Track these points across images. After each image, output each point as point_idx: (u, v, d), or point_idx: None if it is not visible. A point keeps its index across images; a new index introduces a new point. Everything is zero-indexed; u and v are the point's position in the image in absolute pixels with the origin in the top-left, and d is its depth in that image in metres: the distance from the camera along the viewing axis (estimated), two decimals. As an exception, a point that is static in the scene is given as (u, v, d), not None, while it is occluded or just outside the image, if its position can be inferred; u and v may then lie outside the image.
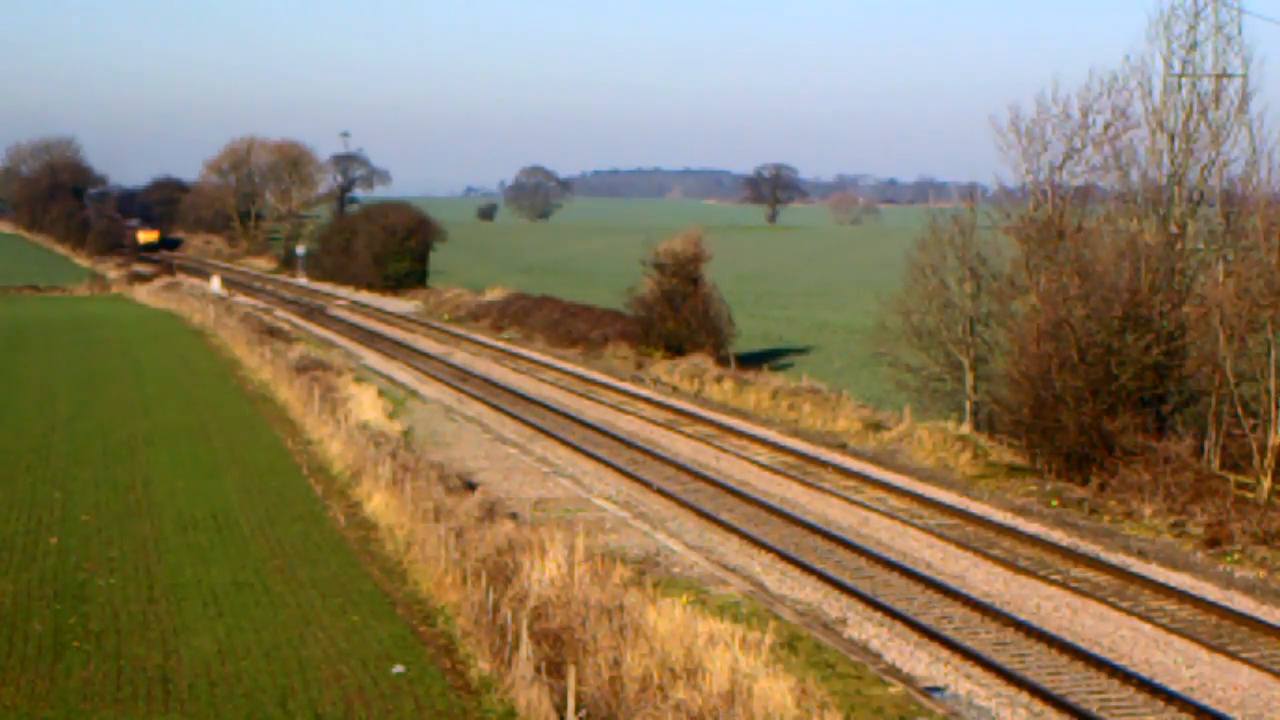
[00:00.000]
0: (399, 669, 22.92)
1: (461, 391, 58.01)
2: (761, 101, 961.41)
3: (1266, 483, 36.53)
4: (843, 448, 46.09)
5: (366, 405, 48.78)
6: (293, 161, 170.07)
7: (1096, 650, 25.82)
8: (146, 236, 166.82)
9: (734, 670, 21.11)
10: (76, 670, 22.69)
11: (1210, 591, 29.82)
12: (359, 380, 56.53)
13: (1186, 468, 37.00)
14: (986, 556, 32.47)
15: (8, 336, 76.30)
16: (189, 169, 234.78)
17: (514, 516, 33.03)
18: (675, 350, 66.06)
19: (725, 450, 45.41)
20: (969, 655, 25.25)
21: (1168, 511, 35.55)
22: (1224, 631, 27.45)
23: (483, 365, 67.38)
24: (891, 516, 36.40)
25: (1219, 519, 34.10)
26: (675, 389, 59.29)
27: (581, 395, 57.70)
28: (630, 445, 45.76)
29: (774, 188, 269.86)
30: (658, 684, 20.89)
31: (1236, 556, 32.59)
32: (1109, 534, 35.00)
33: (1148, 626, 27.47)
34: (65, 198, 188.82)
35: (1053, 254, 43.95)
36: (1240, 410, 38.14)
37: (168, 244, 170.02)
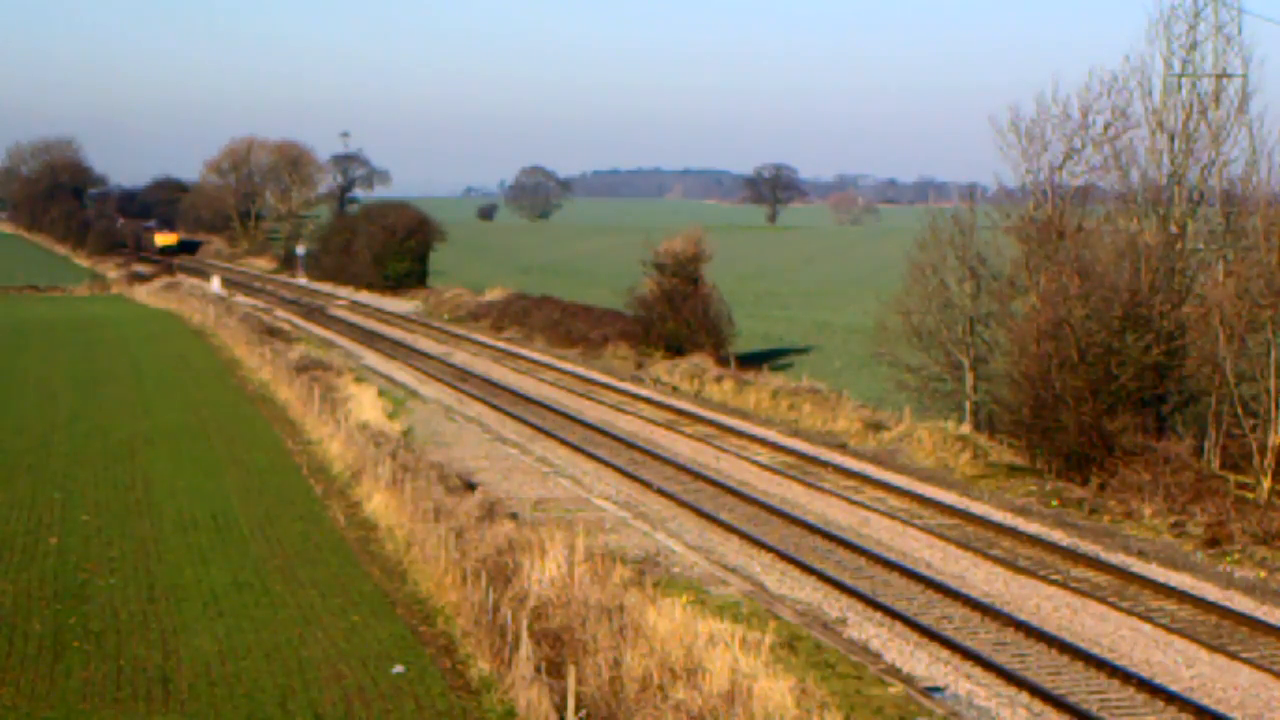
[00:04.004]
0: (399, 669, 22.93)
1: (461, 391, 58.00)
2: (761, 101, 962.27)
3: (1266, 483, 36.53)
4: (843, 448, 46.08)
5: (366, 405, 48.78)
6: (293, 161, 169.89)
7: (1096, 650, 25.82)
8: (164, 239, 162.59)
9: (734, 670, 21.11)
10: (76, 670, 22.69)
11: (1210, 591, 29.82)
12: (359, 380, 56.52)
13: (1186, 468, 37.00)
14: (986, 556, 32.47)
15: (8, 336, 76.31)
16: (189, 169, 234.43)
17: (514, 516, 33.02)
18: (675, 350, 66.06)
19: (725, 450, 45.40)
20: (969, 655, 25.25)
21: (1168, 511, 35.54)
22: (1224, 631, 27.45)
23: (482, 365, 67.36)
24: (891, 516, 36.39)
25: (1219, 519, 34.09)
26: (675, 389, 59.28)
27: (581, 395, 57.69)
28: (630, 445, 45.76)
29: (774, 188, 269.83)
30: (658, 684, 20.89)
31: (1236, 556, 32.58)
32: (1109, 534, 35.00)
33: (1148, 626, 27.46)
34: (65, 198, 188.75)
35: (1053, 254, 43.94)
36: (1240, 410, 38.14)
37: (187, 247, 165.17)
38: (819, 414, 50.65)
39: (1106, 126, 45.79)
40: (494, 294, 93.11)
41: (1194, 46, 44.98)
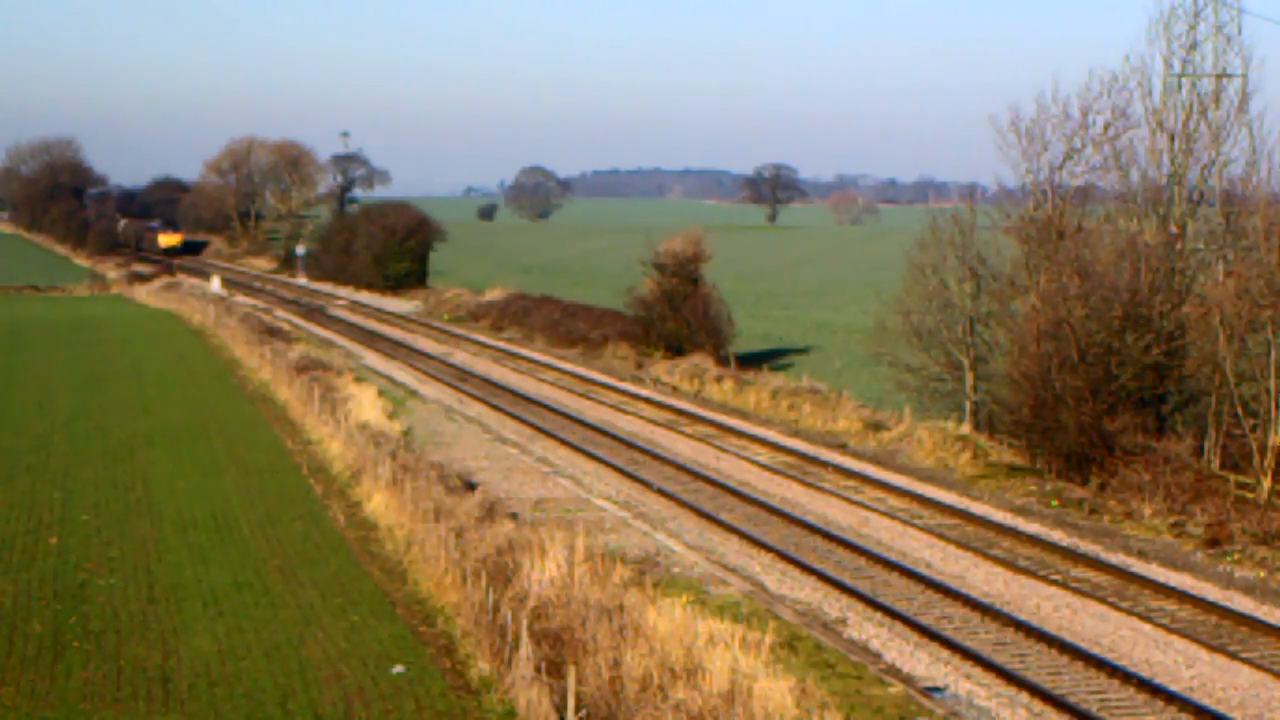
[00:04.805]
0: (399, 669, 22.93)
1: (461, 391, 58.01)
2: (761, 101, 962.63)
3: (1266, 483, 36.52)
4: (843, 448, 46.08)
5: (366, 405, 48.78)
6: (293, 161, 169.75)
7: (1096, 650, 25.82)
8: (168, 240, 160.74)
9: (734, 670, 21.12)
10: (76, 670, 22.69)
11: (1210, 591, 29.83)
12: (359, 380, 56.53)
13: (1186, 468, 37.00)
14: (986, 556, 32.47)
15: (8, 336, 76.28)
16: (189, 169, 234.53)
17: (514, 516, 33.03)
18: (675, 350, 66.06)
19: (725, 450, 45.40)
20: (969, 655, 25.26)
21: (1168, 511, 35.54)
22: (1224, 631, 27.46)
23: (482, 365, 67.37)
24: (891, 516, 36.40)
25: (1219, 519, 34.09)
26: (675, 389, 59.28)
27: (581, 395, 57.69)
28: (630, 445, 45.76)
29: (774, 188, 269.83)
30: (658, 684, 20.90)
31: (1236, 556, 32.58)
32: (1109, 534, 35.01)
33: (1148, 626, 27.47)
34: (65, 198, 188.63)
35: (1053, 254, 43.92)
36: (1240, 410, 38.14)
37: (190, 247, 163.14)
38: (819, 414, 50.65)
39: (1106, 126, 45.79)
40: (494, 294, 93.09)
41: (1194, 46, 44.97)
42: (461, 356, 70.65)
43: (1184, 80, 44.80)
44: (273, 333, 72.91)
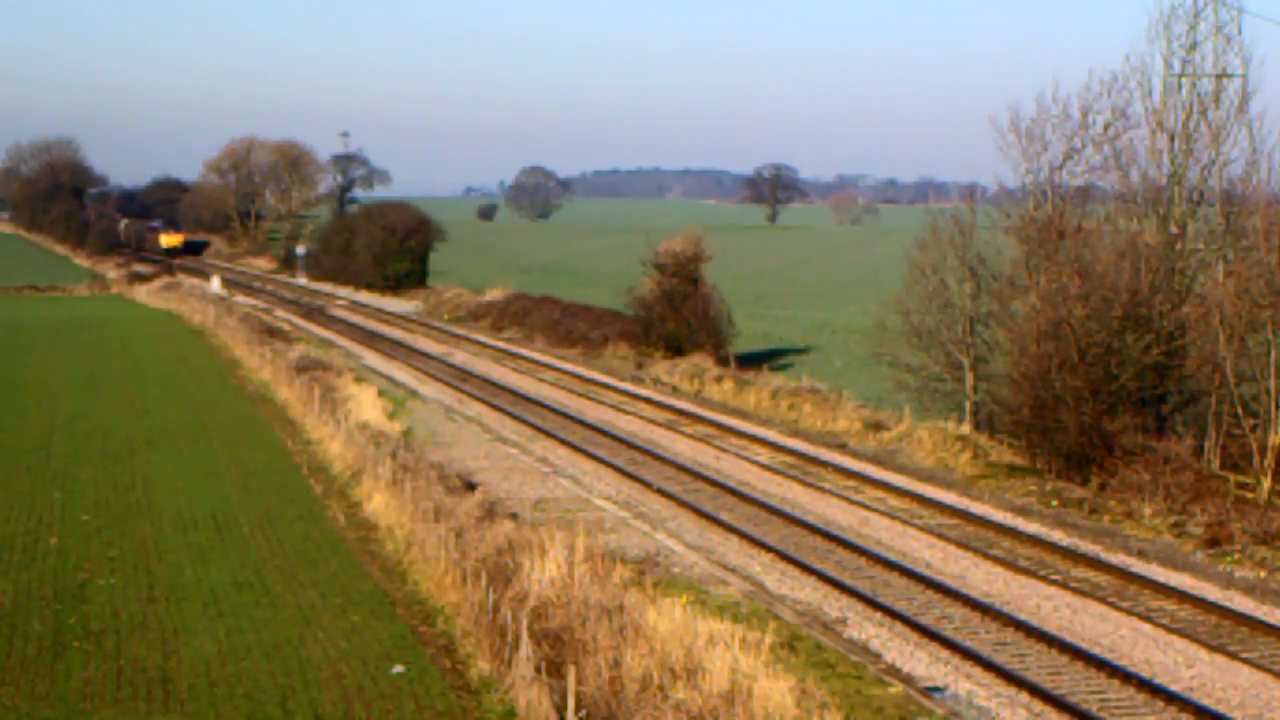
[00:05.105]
0: (399, 669, 22.93)
1: (461, 391, 58.01)
2: (761, 101, 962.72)
3: (1266, 483, 36.53)
4: (843, 448, 46.08)
5: (366, 405, 48.76)
6: (293, 161, 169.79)
7: (1096, 650, 25.83)
8: (170, 240, 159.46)
9: (734, 670, 21.12)
10: (76, 670, 22.70)
11: (1210, 591, 29.83)
12: (359, 380, 56.51)
13: (1186, 468, 37.00)
14: (986, 556, 32.47)
15: (8, 336, 76.28)
16: (189, 169, 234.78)
17: (514, 516, 33.02)
18: (675, 350, 66.06)
19: (725, 450, 45.40)
20: (969, 655, 25.26)
21: (1168, 511, 35.54)
22: (1224, 631, 27.46)
23: (483, 365, 67.37)
24: (891, 516, 36.40)
25: (1219, 519, 34.10)
26: (675, 389, 59.28)
27: (581, 395, 57.69)
28: (630, 445, 45.75)
29: (774, 188, 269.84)
30: (658, 684, 20.89)
31: (1236, 556, 32.59)
32: (1109, 534, 35.00)
33: (1148, 626, 27.47)
34: (65, 198, 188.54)
35: (1053, 254, 43.95)
36: (1240, 410, 38.15)
37: (192, 248, 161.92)
38: (819, 414, 50.65)
39: (1106, 126, 45.80)
40: (494, 294, 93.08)
41: (1194, 46, 44.99)
42: (461, 356, 70.65)
43: (1184, 80, 44.83)
44: (273, 333, 72.91)
